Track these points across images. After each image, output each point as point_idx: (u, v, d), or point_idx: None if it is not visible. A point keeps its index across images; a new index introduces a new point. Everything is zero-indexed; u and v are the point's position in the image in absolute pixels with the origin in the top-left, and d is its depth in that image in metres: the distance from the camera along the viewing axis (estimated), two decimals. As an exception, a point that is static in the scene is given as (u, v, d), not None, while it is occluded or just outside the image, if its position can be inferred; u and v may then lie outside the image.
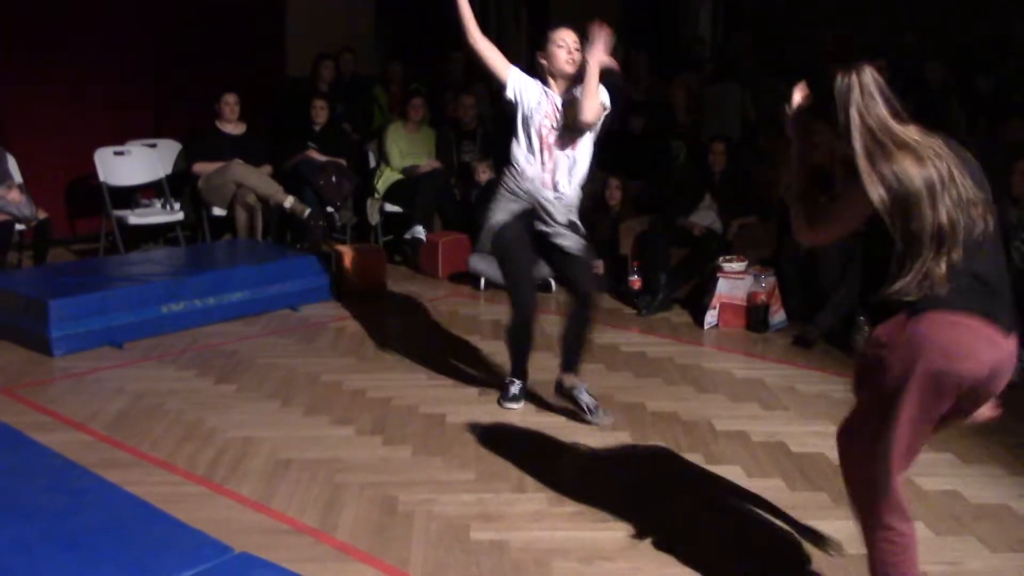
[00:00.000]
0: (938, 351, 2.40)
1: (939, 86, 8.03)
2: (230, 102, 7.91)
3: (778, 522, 3.54)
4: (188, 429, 4.38)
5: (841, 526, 3.46)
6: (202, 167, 7.77)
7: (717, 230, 7.05)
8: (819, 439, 4.36)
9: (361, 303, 6.76)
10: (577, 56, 4.42)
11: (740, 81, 8.96)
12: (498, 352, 5.67)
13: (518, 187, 4.51)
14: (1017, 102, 7.52)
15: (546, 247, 4.61)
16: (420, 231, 7.85)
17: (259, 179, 7.65)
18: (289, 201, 7.54)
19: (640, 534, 3.43)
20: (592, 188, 7.75)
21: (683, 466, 4.06)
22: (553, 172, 4.48)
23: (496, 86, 4.60)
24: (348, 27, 9.75)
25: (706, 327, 6.29)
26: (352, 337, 5.95)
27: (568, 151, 4.49)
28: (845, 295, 5.92)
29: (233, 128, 7.96)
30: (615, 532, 3.45)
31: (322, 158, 8.05)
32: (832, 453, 4.15)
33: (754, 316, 6.22)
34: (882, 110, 2.52)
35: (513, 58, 4.66)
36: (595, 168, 8.03)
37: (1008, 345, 2.47)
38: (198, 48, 8.83)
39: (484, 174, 7.99)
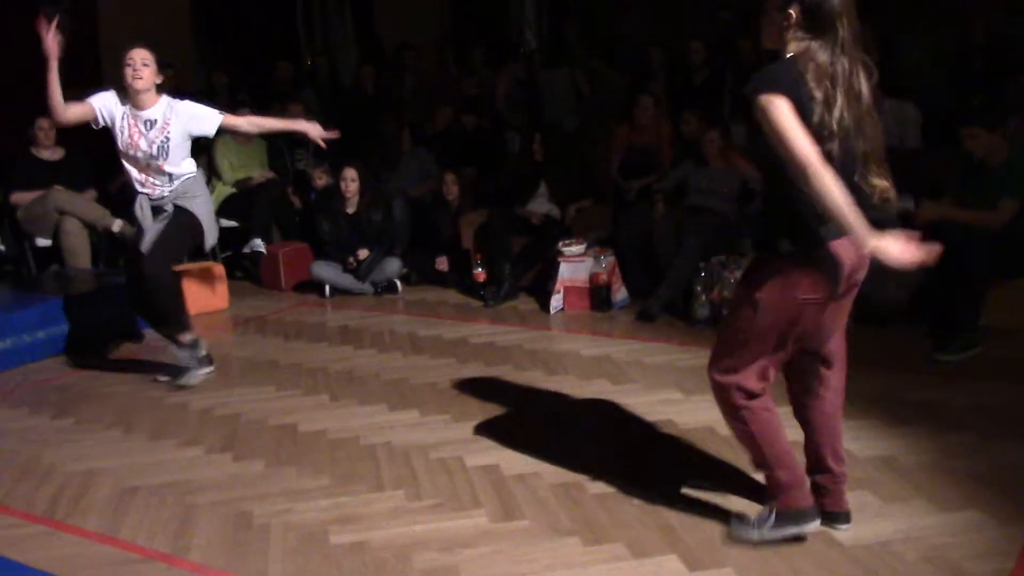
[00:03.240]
0: (804, 288, 2.82)
1: (751, 62, 8.37)
2: (44, 127, 7.54)
3: (634, 490, 3.62)
4: (24, 468, 4.16)
5: (681, 485, 3.59)
6: (20, 197, 7.39)
7: (555, 216, 7.17)
8: (667, 406, 4.51)
9: (203, 322, 6.57)
10: (144, 72, 4.77)
11: (570, 66, 9.12)
12: (347, 357, 5.63)
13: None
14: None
15: None
16: (259, 244, 7.69)
17: (83, 205, 7.32)
18: (117, 225, 7.24)
19: (499, 518, 3.46)
20: (430, 185, 7.83)
21: (538, 449, 4.10)
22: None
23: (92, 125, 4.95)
24: (165, 42, 9.45)
25: (552, 312, 6.39)
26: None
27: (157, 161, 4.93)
28: (681, 267, 6.10)
29: (50, 154, 7.60)
30: (475, 519, 3.47)
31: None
32: (679, 418, 4.32)
33: (597, 296, 6.36)
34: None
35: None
36: (431, 164, 8.10)
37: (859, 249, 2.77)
38: (5, 71, 8.37)
39: (321, 180, 7.90)
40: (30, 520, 3.65)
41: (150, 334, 6.07)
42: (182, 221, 5.00)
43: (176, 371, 5.22)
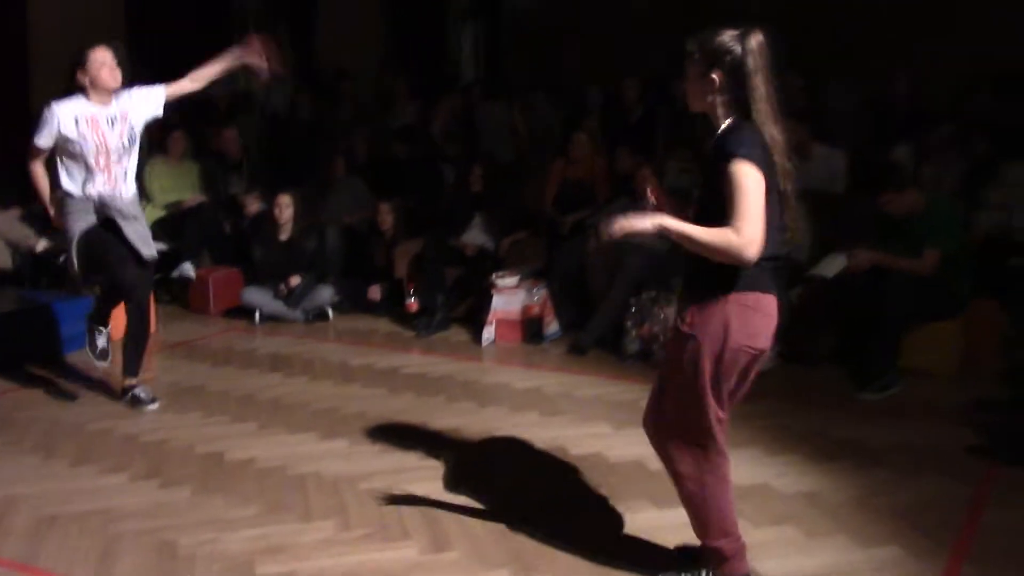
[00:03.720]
0: (743, 333, 2.81)
1: (683, 101, 8.53)
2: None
3: (564, 524, 3.64)
4: (-63, 494, 4.04)
5: (610, 518, 3.63)
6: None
7: (489, 248, 7.20)
8: (597, 440, 4.55)
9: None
10: (118, 72, 4.80)
11: (508, 99, 9.20)
12: (277, 385, 5.58)
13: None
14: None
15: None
16: (189, 268, 7.59)
17: (6, 223, 7.18)
18: (42, 244, 7.11)
19: (429, 551, 3.45)
20: (365, 214, 7.82)
21: (468, 478, 4.10)
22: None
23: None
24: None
25: (484, 343, 6.41)
26: (121, 382, 5.65)
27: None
28: (613, 302, 6.17)
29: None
30: (405, 551, 3.45)
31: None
32: (610, 452, 4.36)
33: (529, 329, 6.40)
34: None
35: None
36: (365, 193, 8.09)
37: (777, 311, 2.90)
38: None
39: (253, 206, 7.83)
40: (-57, 547, 3.54)
41: (75, 357, 5.96)
42: None
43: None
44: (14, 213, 7.32)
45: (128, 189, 4.95)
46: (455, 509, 3.77)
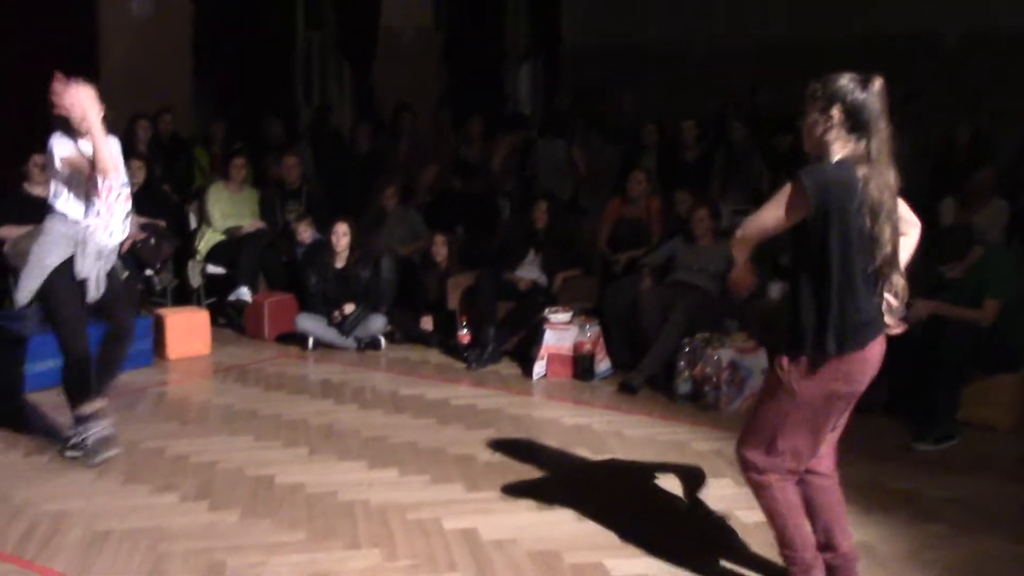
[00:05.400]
0: (838, 381, 2.99)
1: (742, 144, 8.55)
2: (39, 163, 7.55)
3: (611, 563, 3.61)
4: (-5, 505, 4.11)
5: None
6: (8, 231, 7.37)
7: (542, 283, 7.22)
8: (646, 479, 4.50)
9: (184, 368, 6.55)
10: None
11: (566, 138, 9.26)
12: (328, 411, 5.61)
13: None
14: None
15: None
16: (245, 292, 7.68)
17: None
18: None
19: (475, 583, 3.45)
20: (420, 245, 7.89)
21: (517, 515, 4.09)
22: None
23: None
24: (166, 87, 9.52)
25: (535, 378, 6.40)
26: (174, 402, 5.75)
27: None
28: (665, 342, 6.14)
29: (43, 190, 7.52)
30: (450, 583, 3.45)
31: (140, 220, 7.79)
32: (660, 491, 4.32)
33: (580, 365, 6.37)
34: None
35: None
36: (420, 225, 8.17)
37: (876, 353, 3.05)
38: (5, 107, 8.40)
39: (305, 233, 7.91)
40: (-1, 558, 3.61)
41: (130, 379, 6.05)
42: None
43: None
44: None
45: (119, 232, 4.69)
46: (503, 544, 3.76)
